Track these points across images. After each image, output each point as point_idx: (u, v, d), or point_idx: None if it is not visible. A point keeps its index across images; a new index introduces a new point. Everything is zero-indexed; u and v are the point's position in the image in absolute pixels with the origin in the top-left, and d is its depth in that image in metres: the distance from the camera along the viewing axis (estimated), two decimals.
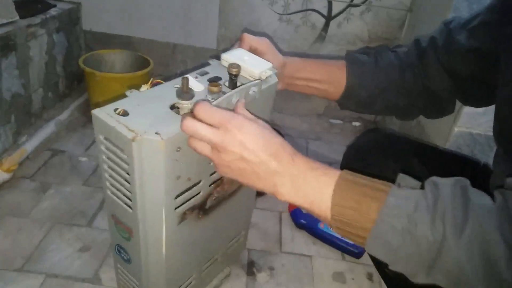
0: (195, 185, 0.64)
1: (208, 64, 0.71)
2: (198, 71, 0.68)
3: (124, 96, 0.59)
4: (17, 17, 1.29)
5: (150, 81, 0.64)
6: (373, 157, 0.79)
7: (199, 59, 1.74)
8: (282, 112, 1.80)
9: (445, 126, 1.17)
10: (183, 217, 0.65)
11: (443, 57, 0.69)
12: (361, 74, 0.74)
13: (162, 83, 0.64)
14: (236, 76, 0.62)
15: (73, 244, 1.02)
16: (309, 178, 0.49)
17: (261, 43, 0.73)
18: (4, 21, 1.23)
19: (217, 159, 0.52)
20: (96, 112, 0.55)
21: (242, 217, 0.92)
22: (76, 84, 1.68)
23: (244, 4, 1.63)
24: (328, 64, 0.77)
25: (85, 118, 1.56)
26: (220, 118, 0.49)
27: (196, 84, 0.63)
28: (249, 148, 0.49)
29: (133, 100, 0.57)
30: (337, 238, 1.11)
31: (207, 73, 0.68)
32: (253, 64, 0.67)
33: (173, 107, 0.57)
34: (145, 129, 0.52)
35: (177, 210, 0.63)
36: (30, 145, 1.30)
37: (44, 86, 1.45)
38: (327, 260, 1.09)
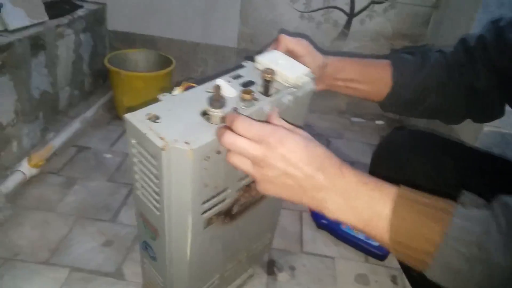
0: (222, 192, 0.63)
1: (242, 66, 0.69)
2: (231, 74, 0.66)
3: (157, 100, 0.59)
4: (47, 18, 1.33)
5: (183, 84, 0.63)
6: (404, 155, 0.76)
7: (220, 57, 1.75)
8: None
9: (474, 125, 1.14)
10: (209, 222, 0.65)
11: (493, 56, 0.65)
12: (407, 74, 0.70)
13: (195, 86, 0.63)
14: (270, 82, 0.60)
15: (97, 238, 1.04)
16: (362, 193, 0.46)
17: (299, 44, 0.69)
18: (35, 21, 1.28)
19: (259, 175, 0.49)
20: (128, 117, 0.56)
21: (268, 220, 0.91)
22: (101, 82, 1.72)
23: (265, 1, 1.63)
24: (371, 64, 0.73)
25: (110, 115, 1.60)
26: (260, 132, 0.47)
27: (229, 89, 0.61)
28: (293, 162, 0.46)
29: (165, 105, 0.58)
30: (359, 239, 1.09)
31: (240, 76, 0.66)
32: (289, 68, 0.64)
33: (204, 114, 0.56)
34: (175, 137, 0.52)
35: (204, 215, 0.63)
36: (57, 141, 1.34)
37: (71, 84, 1.49)
38: (349, 262, 1.07)
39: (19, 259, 0.96)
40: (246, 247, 0.87)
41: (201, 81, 0.65)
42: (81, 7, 1.56)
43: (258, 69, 0.67)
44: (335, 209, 0.47)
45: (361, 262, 1.08)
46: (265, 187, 0.50)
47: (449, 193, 0.69)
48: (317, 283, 1.00)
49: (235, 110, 0.56)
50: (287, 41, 0.69)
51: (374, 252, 1.07)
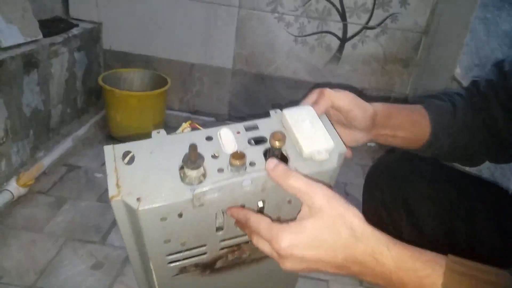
0: (195, 248, 0.57)
1: (268, 115, 0.58)
2: (248, 123, 0.56)
3: (149, 136, 0.53)
4: (41, 36, 1.33)
5: (186, 123, 0.58)
6: (400, 177, 0.76)
7: (216, 78, 1.76)
8: None
9: None
10: (182, 270, 0.60)
11: (505, 102, 0.65)
12: (444, 119, 0.67)
13: (199, 129, 0.56)
14: (278, 149, 0.51)
15: (86, 260, 1.01)
16: (408, 280, 0.42)
17: (345, 98, 0.61)
18: (28, 39, 1.27)
19: (282, 264, 0.47)
20: (106, 149, 0.51)
21: (280, 280, 0.79)
22: (94, 100, 1.71)
23: (261, 25, 1.66)
24: (410, 110, 0.69)
25: (102, 134, 1.58)
26: (267, 236, 0.45)
27: (229, 142, 0.53)
28: (313, 260, 0.44)
29: (151, 145, 0.51)
30: None
31: (256, 128, 0.55)
32: (309, 137, 0.53)
33: (182, 168, 0.49)
34: (132, 188, 0.47)
35: (170, 265, 0.58)
36: (47, 160, 1.32)
37: (63, 102, 1.48)
38: (344, 286, 1.06)
39: (4, 282, 0.92)
40: None
41: (206, 125, 0.58)
42: (76, 25, 1.56)
43: (283, 124, 0.56)
44: (383, 286, 0.45)
45: (356, 286, 1.06)
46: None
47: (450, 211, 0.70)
48: None
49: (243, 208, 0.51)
50: (332, 97, 0.60)
51: None
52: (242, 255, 0.63)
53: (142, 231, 0.49)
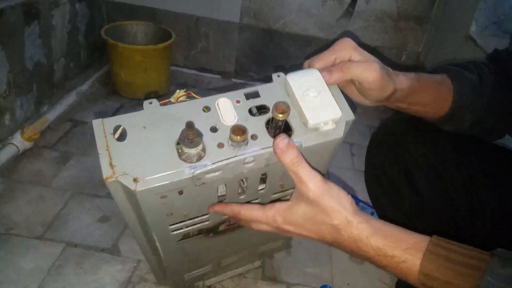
0: (197, 216, 0.56)
1: (270, 80, 0.53)
2: (249, 90, 0.51)
3: (141, 106, 0.49)
4: None
5: (181, 92, 0.52)
6: (402, 141, 0.74)
7: (222, 33, 1.70)
8: None
9: None
10: (185, 236, 0.60)
11: None
12: (469, 94, 0.63)
13: (196, 98, 0.52)
14: (281, 122, 0.47)
15: (93, 214, 1.02)
16: (387, 264, 0.46)
17: (370, 72, 0.52)
18: None
19: (277, 231, 0.53)
20: (95, 124, 0.47)
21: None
22: (97, 55, 1.66)
23: None
24: (436, 86, 0.63)
25: (107, 89, 1.56)
26: (263, 220, 0.51)
27: (229, 113, 0.49)
28: (303, 235, 0.51)
29: (143, 118, 0.47)
30: None
31: (257, 96, 0.51)
32: (315, 106, 0.48)
33: (189, 127, 0.46)
34: (127, 168, 0.43)
35: (174, 233, 0.57)
36: (51, 114, 1.30)
37: (66, 56, 1.44)
38: None
39: (13, 234, 0.93)
40: (248, 249, 0.81)
41: (204, 93, 0.52)
42: None
43: (287, 90, 0.52)
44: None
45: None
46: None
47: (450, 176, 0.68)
48: (314, 260, 0.99)
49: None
50: (353, 71, 0.51)
51: None
52: None
53: (142, 209, 0.48)
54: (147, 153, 0.45)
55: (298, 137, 0.48)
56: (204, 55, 1.77)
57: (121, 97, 1.53)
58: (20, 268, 0.86)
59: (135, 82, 1.50)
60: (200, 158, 0.45)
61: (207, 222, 0.58)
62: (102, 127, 0.46)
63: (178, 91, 0.53)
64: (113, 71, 1.53)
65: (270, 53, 1.73)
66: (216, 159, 0.45)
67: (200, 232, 0.61)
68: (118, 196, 0.47)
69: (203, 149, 0.46)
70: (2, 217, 0.97)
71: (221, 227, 0.63)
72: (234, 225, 0.63)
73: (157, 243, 0.59)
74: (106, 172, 0.44)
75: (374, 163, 0.79)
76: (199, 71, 1.78)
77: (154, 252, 0.65)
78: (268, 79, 0.53)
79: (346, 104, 0.51)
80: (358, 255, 0.48)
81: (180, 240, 0.60)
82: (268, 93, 0.51)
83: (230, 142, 0.46)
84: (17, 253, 0.89)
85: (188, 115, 0.48)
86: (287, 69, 0.53)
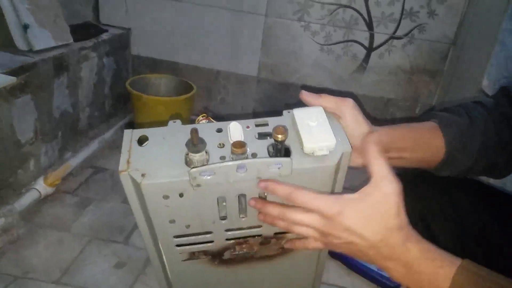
0: (201, 234, 0.59)
1: (280, 114, 0.59)
2: (259, 120, 0.57)
3: (165, 123, 0.58)
4: (71, 40, 1.37)
5: (200, 115, 0.60)
6: (420, 188, 0.72)
7: (241, 85, 1.77)
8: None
9: None
10: (191, 256, 0.63)
11: None
12: (460, 137, 0.63)
13: (212, 122, 0.59)
14: (280, 143, 0.52)
15: (109, 259, 1.02)
16: (425, 268, 0.47)
17: (341, 104, 0.58)
18: (60, 43, 1.31)
19: (323, 241, 0.51)
20: (126, 132, 0.55)
21: (302, 275, 0.78)
22: (122, 104, 1.74)
23: (287, 33, 1.66)
24: (420, 128, 0.65)
25: None
26: (320, 206, 0.48)
27: (237, 133, 0.54)
28: (357, 233, 0.47)
29: (166, 131, 0.55)
30: (372, 270, 1.06)
31: (266, 125, 0.56)
32: (312, 133, 0.53)
33: (194, 132, 0.52)
34: (141, 165, 0.51)
35: (178, 248, 0.60)
36: (74, 161, 1.34)
37: (92, 106, 1.51)
38: None
39: (30, 277, 0.93)
40: None
41: (219, 117, 0.61)
42: (106, 31, 1.60)
43: (293, 123, 0.56)
44: (397, 276, 0.49)
45: None
46: (329, 247, 0.53)
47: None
48: None
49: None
50: (328, 99, 0.58)
51: (386, 284, 1.05)
52: (250, 250, 0.64)
53: (147, 206, 0.53)
54: (159, 157, 0.52)
55: (294, 160, 0.52)
56: (223, 106, 1.83)
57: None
58: None
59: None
60: (202, 165, 0.51)
61: (211, 244, 0.61)
62: (130, 135, 0.54)
63: (199, 116, 0.60)
64: (136, 120, 1.59)
65: (286, 104, 1.78)
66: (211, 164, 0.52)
67: (205, 253, 0.63)
68: (128, 190, 0.52)
69: (207, 160, 0.51)
70: (20, 261, 0.97)
71: (226, 254, 0.64)
72: (240, 255, 0.65)
73: (164, 258, 0.62)
74: (122, 166, 0.51)
75: None
76: (218, 121, 1.83)
77: (163, 269, 0.66)
78: (280, 114, 0.60)
79: (345, 136, 0.55)
80: (394, 259, 0.48)
81: (185, 260, 0.62)
82: (276, 124, 0.55)
83: (231, 155, 0.52)
84: None
85: (202, 133, 0.54)
86: (297, 106, 0.58)
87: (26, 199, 1.13)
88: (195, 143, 0.50)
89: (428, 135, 0.63)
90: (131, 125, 1.64)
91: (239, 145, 0.50)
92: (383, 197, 0.47)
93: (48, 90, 1.23)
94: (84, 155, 1.39)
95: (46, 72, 1.21)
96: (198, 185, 0.51)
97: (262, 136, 0.55)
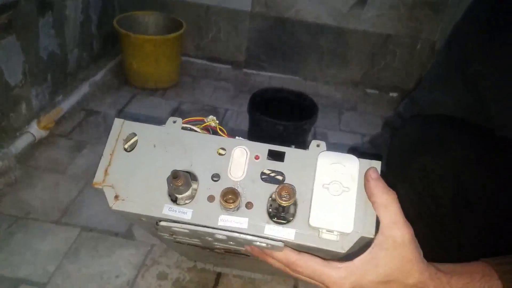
0: (187, 238, 0.52)
1: (304, 147, 0.46)
2: (276, 148, 0.45)
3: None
4: None
5: (211, 120, 0.49)
6: (423, 146, 0.69)
7: (233, 22, 1.70)
8: (316, 80, 1.75)
9: None
10: (179, 241, 0.57)
11: None
12: None
13: (221, 133, 0.48)
14: (283, 208, 0.41)
15: (107, 201, 1.03)
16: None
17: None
18: None
19: None
20: (116, 122, 0.47)
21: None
22: (110, 45, 1.68)
23: None
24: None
25: (119, 80, 1.57)
26: (330, 284, 0.41)
27: (239, 167, 0.44)
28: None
29: (160, 135, 0.46)
30: None
31: (281, 160, 0.44)
32: (326, 206, 0.41)
33: (174, 177, 0.42)
34: (116, 181, 0.45)
35: (165, 236, 0.53)
36: (65, 104, 1.32)
37: (79, 46, 1.46)
38: None
39: (31, 218, 0.95)
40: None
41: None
42: None
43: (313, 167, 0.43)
44: None
45: None
46: None
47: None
48: None
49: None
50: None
51: None
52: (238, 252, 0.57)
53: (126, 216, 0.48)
54: (141, 175, 0.44)
55: (294, 227, 0.41)
56: (214, 45, 1.77)
57: (133, 88, 1.55)
58: (38, 251, 0.88)
59: (146, 72, 1.51)
60: (184, 204, 0.43)
61: (198, 243, 0.54)
62: (119, 130, 0.47)
63: (211, 117, 0.49)
64: (125, 61, 1.54)
65: (282, 42, 1.72)
66: (193, 218, 0.42)
67: (196, 245, 0.58)
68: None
69: (193, 195, 0.43)
70: (20, 202, 0.99)
71: (216, 249, 0.59)
72: (231, 251, 0.57)
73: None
74: (98, 177, 0.46)
75: (395, 168, 0.75)
76: (210, 61, 1.78)
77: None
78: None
79: (372, 220, 0.41)
80: None
81: (175, 242, 0.58)
82: (294, 161, 0.44)
83: (220, 203, 0.42)
84: (35, 237, 0.91)
85: (200, 151, 0.45)
86: (328, 136, 0.46)
87: (21, 143, 1.13)
88: (174, 188, 0.42)
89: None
90: (120, 66, 1.60)
91: (230, 200, 0.41)
92: (396, 250, 0.40)
93: (33, 30, 1.18)
94: (76, 98, 1.37)
95: (30, 11, 1.15)
96: (173, 234, 0.46)
97: (268, 179, 0.44)
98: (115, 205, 0.44)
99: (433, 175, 0.67)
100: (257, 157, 0.44)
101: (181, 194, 0.43)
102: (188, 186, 0.42)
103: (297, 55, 1.73)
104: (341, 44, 1.69)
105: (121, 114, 1.40)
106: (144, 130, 0.46)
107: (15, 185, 1.03)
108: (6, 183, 1.02)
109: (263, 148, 0.44)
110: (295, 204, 0.42)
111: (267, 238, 0.41)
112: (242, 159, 0.44)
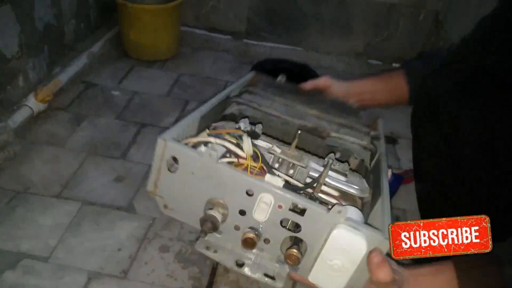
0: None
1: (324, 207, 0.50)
2: (300, 202, 0.48)
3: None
4: None
5: (248, 140, 0.54)
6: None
7: None
8: (318, 51, 1.71)
9: None
10: None
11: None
12: (419, 76, 0.78)
13: (259, 170, 0.54)
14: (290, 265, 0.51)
15: (108, 174, 1.04)
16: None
17: (320, 81, 0.85)
18: None
19: None
20: (159, 142, 0.53)
21: None
22: (107, 16, 1.64)
23: None
24: (388, 77, 0.86)
25: (117, 51, 1.54)
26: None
27: (264, 212, 0.50)
28: None
29: (198, 164, 0.52)
30: None
31: (301, 214, 0.49)
32: (326, 272, 0.48)
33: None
34: (164, 194, 0.56)
35: None
36: (63, 76, 1.30)
37: (76, 17, 1.42)
38: None
39: (32, 193, 0.95)
40: None
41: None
42: None
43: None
44: None
45: None
46: None
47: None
48: None
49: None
50: (310, 84, 0.85)
51: None
52: None
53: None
54: (184, 193, 0.54)
55: (299, 272, 0.52)
56: (214, 15, 1.72)
57: (131, 59, 1.52)
58: (40, 225, 0.88)
59: (145, 43, 1.48)
60: (216, 226, 0.51)
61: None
62: (162, 151, 0.53)
63: (244, 137, 0.55)
64: (123, 32, 1.51)
65: (283, 12, 1.68)
66: (220, 243, 0.56)
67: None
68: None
69: (223, 221, 0.52)
70: (20, 177, 0.99)
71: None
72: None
73: None
74: (150, 186, 0.55)
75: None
76: (210, 31, 1.74)
77: None
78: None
79: None
80: None
81: None
82: (313, 220, 0.48)
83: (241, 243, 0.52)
84: (36, 211, 0.91)
85: (231, 188, 0.51)
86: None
87: (19, 116, 1.11)
88: (205, 231, 0.51)
89: (395, 83, 0.83)
90: (118, 37, 1.56)
91: (250, 246, 0.50)
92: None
93: (28, 0, 1.15)
94: (74, 70, 1.35)
95: None
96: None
97: (285, 228, 0.50)
98: (166, 212, 0.56)
99: (461, 122, 0.69)
100: (280, 207, 0.49)
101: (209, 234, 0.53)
102: (215, 229, 0.51)
103: (299, 25, 1.69)
104: (343, 14, 1.65)
105: (120, 85, 1.38)
106: (184, 155, 0.52)
107: (14, 160, 1.03)
108: (5, 157, 1.02)
109: (288, 199, 0.48)
110: (302, 254, 0.49)
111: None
112: (266, 206, 0.49)
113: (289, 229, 0.50)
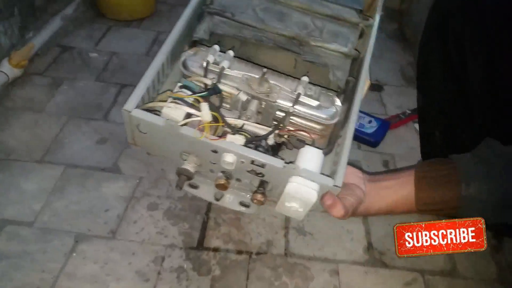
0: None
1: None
2: (256, 156, 0.53)
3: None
4: None
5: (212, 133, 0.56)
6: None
7: None
8: None
9: None
10: None
11: None
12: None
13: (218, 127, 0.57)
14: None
15: (91, 136, 1.01)
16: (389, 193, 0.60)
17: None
18: None
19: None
20: (124, 114, 0.55)
21: None
22: None
23: None
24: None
25: (93, 12, 1.47)
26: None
27: (229, 163, 0.54)
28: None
29: (162, 132, 0.54)
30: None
31: (262, 168, 0.54)
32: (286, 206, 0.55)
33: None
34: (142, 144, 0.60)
35: None
36: (38, 40, 1.24)
37: None
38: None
39: (13, 159, 0.93)
40: None
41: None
42: None
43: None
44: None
45: (354, 149, 1.06)
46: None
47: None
48: None
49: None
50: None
51: (367, 140, 1.08)
52: None
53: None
54: (159, 147, 0.60)
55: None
56: None
57: (108, 20, 1.46)
58: (23, 190, 0.87)
59: (120, 2, 1.42)
60: (190, 177, 0.57)
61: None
62: (128, 119, 0.54)
63: (202, 105, 0.55)
64: None
65: None
66: (201, 182, 0.65)
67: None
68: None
69: (198, 167, 0.57)
70: (0, 144, 0.96)
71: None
72: None
73: None
74: (129, 140, 0.59)
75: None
76: None
77: None
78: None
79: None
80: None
81: None
82: (272, 172, 0.54)
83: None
84: (19, 177, 0.89)
85: (197, 148, 0.55)
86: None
87: None
88: (180, 186, 0.57)
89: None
90: None
91: (222, 188, 0.57)
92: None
93: None
94: (48, 33, 1.29)
95: None
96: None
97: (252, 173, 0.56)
98: (151, 155, 0.64)
99: (465, 39, 0.71)
100: (242, 162, 0.54)
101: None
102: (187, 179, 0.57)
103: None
104: None
105: (97, 46, 1.32)
106: (146, 126, 0.54)
107: None
108: None
109: (247, 158, 0.53)
110: (266, 195, 0.57)
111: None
112: (231, 162, 0.53)
113: (256, 173, 0.56)
